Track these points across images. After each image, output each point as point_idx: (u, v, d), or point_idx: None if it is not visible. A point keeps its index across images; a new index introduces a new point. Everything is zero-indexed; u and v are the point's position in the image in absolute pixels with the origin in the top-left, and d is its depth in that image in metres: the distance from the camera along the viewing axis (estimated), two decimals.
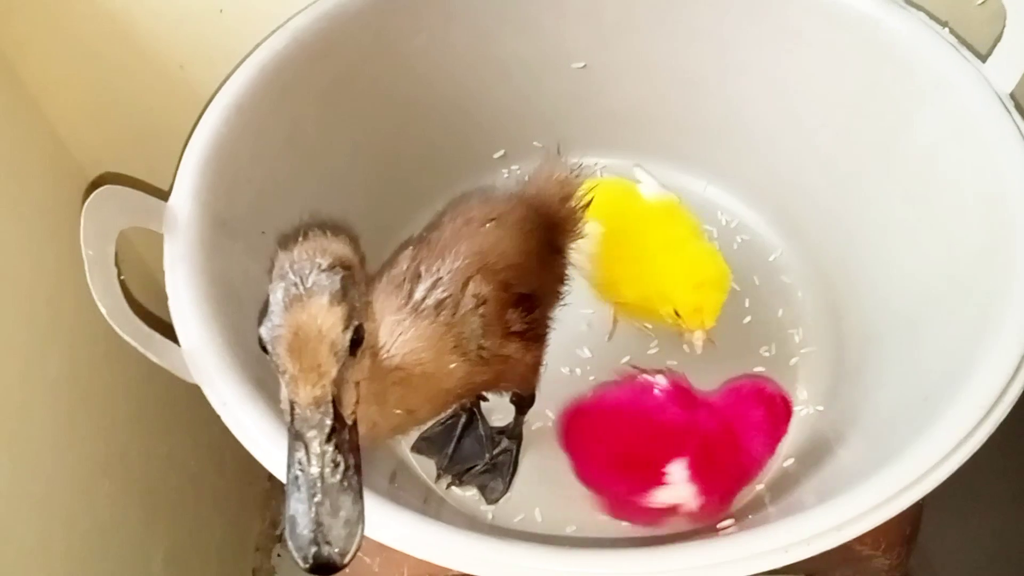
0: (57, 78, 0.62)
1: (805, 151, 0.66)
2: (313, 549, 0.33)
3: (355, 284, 0.37)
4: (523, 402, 0.59)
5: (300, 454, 0.35)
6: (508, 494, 0.61)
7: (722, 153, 0.71)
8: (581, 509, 0.59)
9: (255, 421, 0.44)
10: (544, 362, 0.55)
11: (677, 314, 0.60)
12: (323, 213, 0.63)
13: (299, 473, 0.35)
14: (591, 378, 0.65)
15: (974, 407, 0.43)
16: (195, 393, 0.46)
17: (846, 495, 0.40)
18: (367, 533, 0.40)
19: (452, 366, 0.47)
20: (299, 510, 0.34)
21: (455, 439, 0.61)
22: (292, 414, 0.35)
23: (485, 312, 0.48)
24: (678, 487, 0.55)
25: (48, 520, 0.55)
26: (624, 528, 0.59)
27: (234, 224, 0.53)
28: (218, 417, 0.45)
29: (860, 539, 0.40)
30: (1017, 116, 0.52)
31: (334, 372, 0.35)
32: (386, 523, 0.41)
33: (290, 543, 0.34)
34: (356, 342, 0.36)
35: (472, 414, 0.62)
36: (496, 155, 0.74)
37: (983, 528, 0.79)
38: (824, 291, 0.67)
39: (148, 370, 0.45)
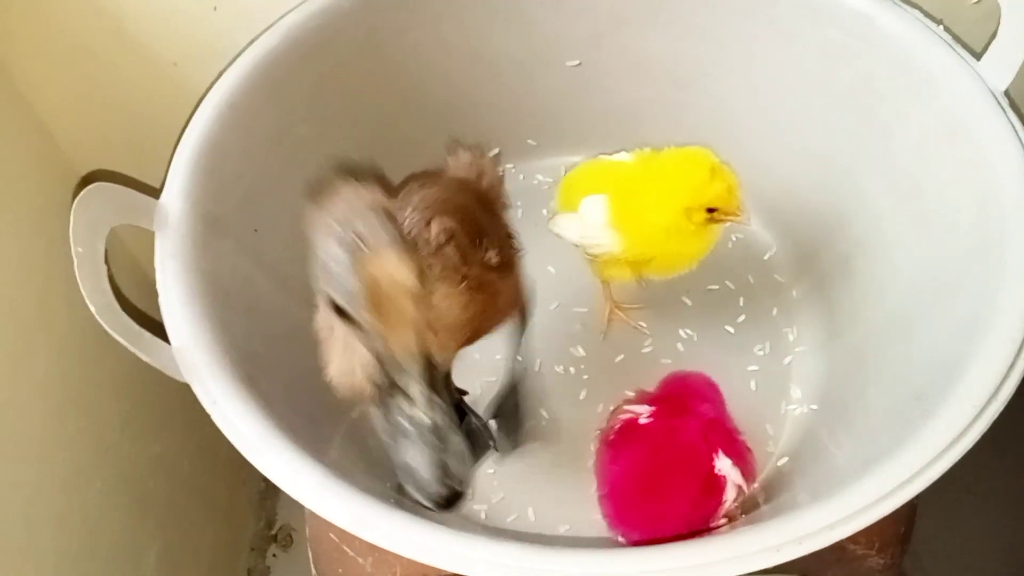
0: (48, 74, 0.62)
1: (798, 149, 0.66)
2: (441, 489, 0.36)
3: (400, 226, 0.37)
4: (523, 321, 0.58)
5: (402, 402, 0.36)
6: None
7: (716, 150, 0.70)
8: (574, 509, 0.59)
9: (245, 420, 0.44)
10: (525, 281, 0.54)
11: (712, 212, 0.55)
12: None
13: (403, 421, 0.36)
14: (585, 376, 0.65)
15: (967, 406, 0.43)
16: (187, 392, 0.46)
17: (838, 494, 0.40)
18: (375, 541, 0.41)
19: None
20: (414, 457, 0.36)
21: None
22: (383, 367, 0.36)
23: (457, 243, 0.46)
24: (730, 474, 0.56)
25: (38, 519, 0.55)
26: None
27: (225, 222, 0.53)
28: (210, 416, 0.45)
29: (854, 539, 0.40)
30: (1011, 114, 0.52)
31: (417, 316, 0.36)
32: (377, 523, 0.41)
33: (412, 490, 0.36)
34: (424, 282, 0.36)
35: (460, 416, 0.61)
36: (490, 154, 0.73)
37: (977, 528, 0.79)
38: (818, 290, 0.67)
39: (139, 369, 0.45)
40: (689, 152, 0.57)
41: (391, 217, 0.37)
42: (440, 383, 0.36)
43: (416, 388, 0.36)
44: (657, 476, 0.56)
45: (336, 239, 0.36)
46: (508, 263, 0.52)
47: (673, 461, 0.56)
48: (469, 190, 0.55)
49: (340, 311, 0.36)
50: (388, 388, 0.36)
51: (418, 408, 0.36)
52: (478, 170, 0.58)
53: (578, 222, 0.61)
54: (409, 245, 0.36)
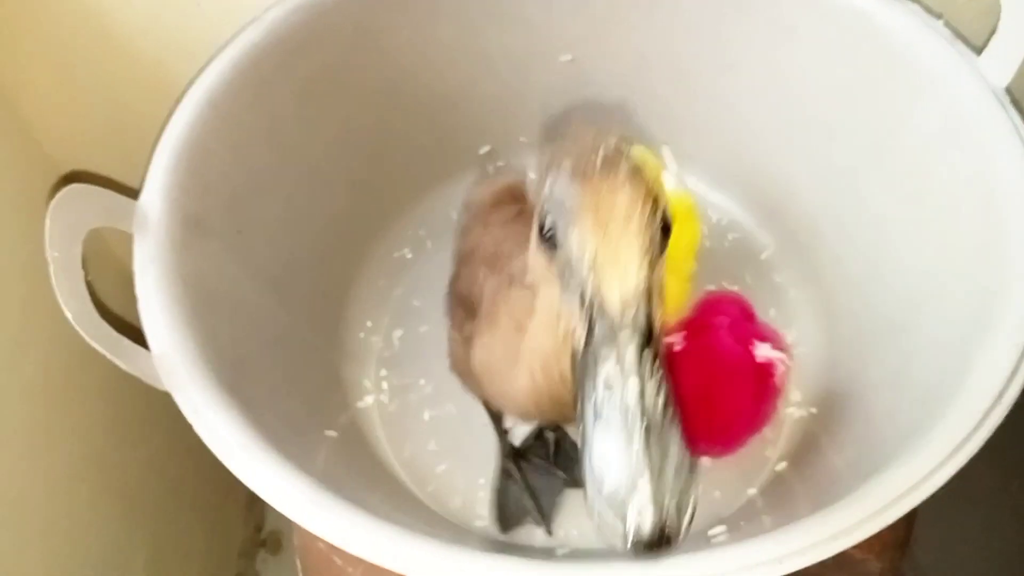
0: (30, 72, 0.61)
1: (797, 147, 0.65)
2: (644, 508, 0.24)
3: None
4: None
5: (609, 366, 0.26)
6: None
7: (713, 149, 0.70)
8: (579, 521, 0.58)
9: (228, 429, 0.42)
10: None
11: None
12: (303, 210, 0.62)
13: (605, 395, 0.26)
14: None
15: (971, 411, 0.42)
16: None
17: (841, 504, 0.39)
18: (364, 555, 0.37)
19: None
20: (615, 450, 0.25)
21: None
22: (591, 323, 0.27)
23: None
24: (772, 355, 0.59)
25: (24, 526, 0.54)
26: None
27: (208, 223, 0.52)
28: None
29: None
30: (1012, 111, 0.51)
31: (646, 258, 0.28)
32: (366, 537, 0.40)
33: (599, 503, 0.25)
34: (665, 228, 0.29)
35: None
36: (482, 150, 0.72)
37: (977, 532, 0.79)
38: (817, 291, 0.66)
39: (125, 374, 0.44)
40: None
41: (619, 149, 0.31)
42: (663, 360, 0.27)
43: (631, 352, 0.26)
44: (713, 389, 0.58)
45: (568, 161, 0.30)
46: None
47: (720, 370, 0.58)
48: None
49: (552, 241, 0.29)
50: (593, 349, 0.27)
51: (632, 382, 0.25)
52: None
53: None
54: (648, 183, 0.29)
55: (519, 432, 0.61)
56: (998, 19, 0.52)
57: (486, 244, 0.51)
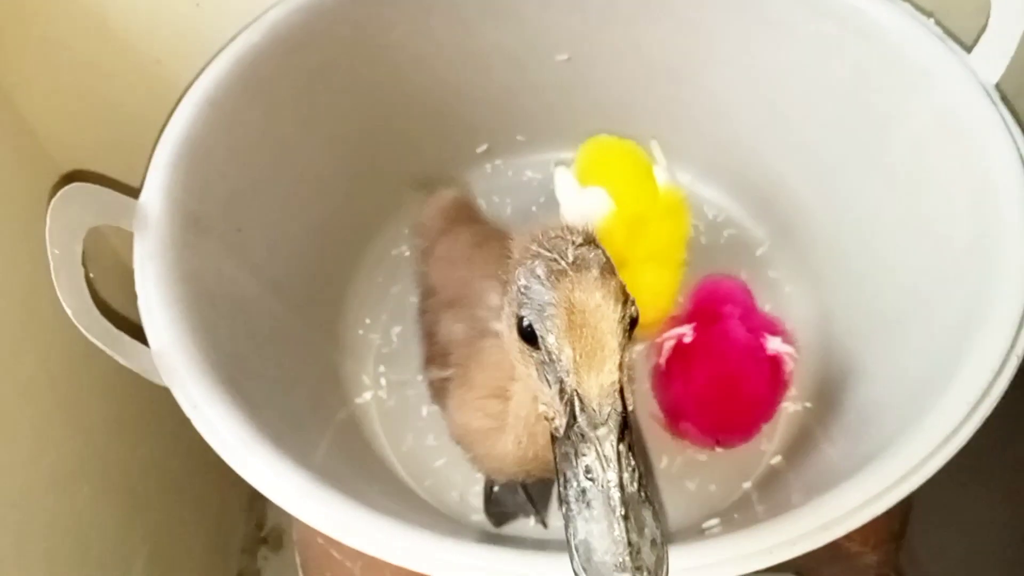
0: (30, 72, 0.61)
1: (791, 144, 0.65)
2: None
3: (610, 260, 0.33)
4: None
5: (589, 459, 0.29)
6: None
7: (708, 146, 0.70)
8: None
9: (227, 424, 0.43)
10: None
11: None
12: (301, 209, 0.62)
13: (587, 484, 0.29)
14: None
15: (960, 403, 0.42)
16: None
17: (832, 493, 0.40)
18: (363, 548, 0.39)
19: None
20: (597, 531, 0.28)
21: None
22: (571, 412, 0.30)
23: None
24: (782, 348, 0.60)
25: (26, 524, 0.54)
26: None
27: (208, 222, 0.52)
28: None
29: (849, 536, 0.40)
30: (1003, 107, 0.52)
31: (619, 354, 0.30)
32: (363, 529, 0.40)
33: (584, 572, 0.28)
34: (632, 321, 0.31)
35: None
36: (479, 149, 0.73)
37: (973, 524, 0.79)
38: (811, 286, 0.67)
39: (126, 371, 0.44)
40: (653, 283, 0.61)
41: (599, 245, 0.33)
42: (635, 444, 0.30)
43: (610, 443, 0.29)
44: (732, 378, 0.59)
45: (540, 261, 0.32)
46: None
47: (735, 360, 0.59)
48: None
49: (530, 339, 0.31)
50: (575, 443, 0.29)
51: (611, 470, 0.28)
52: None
53: (572, 194, 0.61)
54: (616, 274, 0.32)
55: None
56: (988, 17, 0.52)
57: (451, 284, 0.51)
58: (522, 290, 0.32)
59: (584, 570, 0.28)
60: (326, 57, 0.60)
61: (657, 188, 0.63)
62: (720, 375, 0.59)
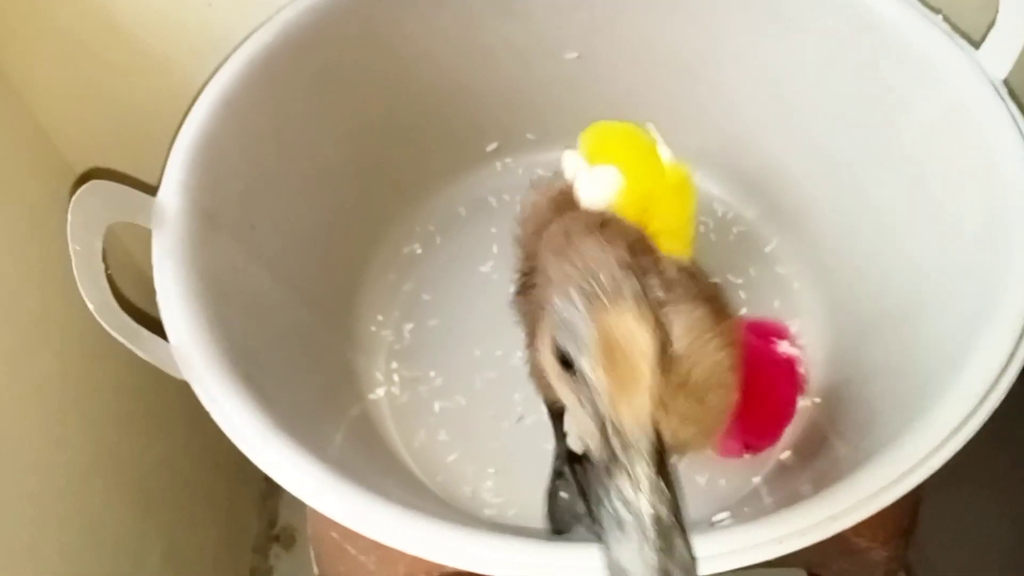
0: (43, 71, 0.62)
1: (799, 140, 0.65)
2: None
3: (649, 284, 0.33)
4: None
5: (623, 484, 0.29)
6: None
7: (716, 142, 0.70)
8: None
9: (244, 417, 0.43)
10: None
11: None
12: (314, 206, 0.63)
13: (619, 506, 0.29)
14: None
15: (969, 395, 0.42)
16: (188, 392, 0.45)
17: (841, 484, 0.40)
18: (377, 537, 0.39)
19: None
20: (627, 554, 0.28)
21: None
22: (605, 440, 0.30)
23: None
24: (792, 351, 0.62)
25: (40, 520, 0.55)
26: None
27: (222, 219, 0.53)
28: (210, 415, 0.44)
29: (858, 531, 0.40)
30: (1011, 103, 0.52)
31: (655, 381, 0.31)
32: (379, 519, 0.41)
33: None
34: (664, 347, 0.32)
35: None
36: (489, 148, 0.73)
37: (982, 520, 0.79)
38: (820, 282, 0.67)
39: (140, 368, 0.45)
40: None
41: (637, 274, 0.33)
42: (668, 470, 0.30)
43: (642, 469, 0.29)
44: (757, 386, 0.57)
45: (574, 286, 0.32)
46: None
47: (759, 366, 0.59)
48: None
49: (567, 364, 0.32)
50: (608, 465, 0.30)
51: (643, 495, 0.29)
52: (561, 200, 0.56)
53: (583, 173, 0.61)
54: (653, 306, 0.32)
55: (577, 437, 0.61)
56: (996, 13, 0.52)
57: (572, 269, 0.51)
58: (558, 313, 0.32)
59: None
60: (337, 56, 0.61)
61: (663, 165, 0.63)
62: (748, 383, 0.59)
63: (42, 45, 0.61)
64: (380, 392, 0.65)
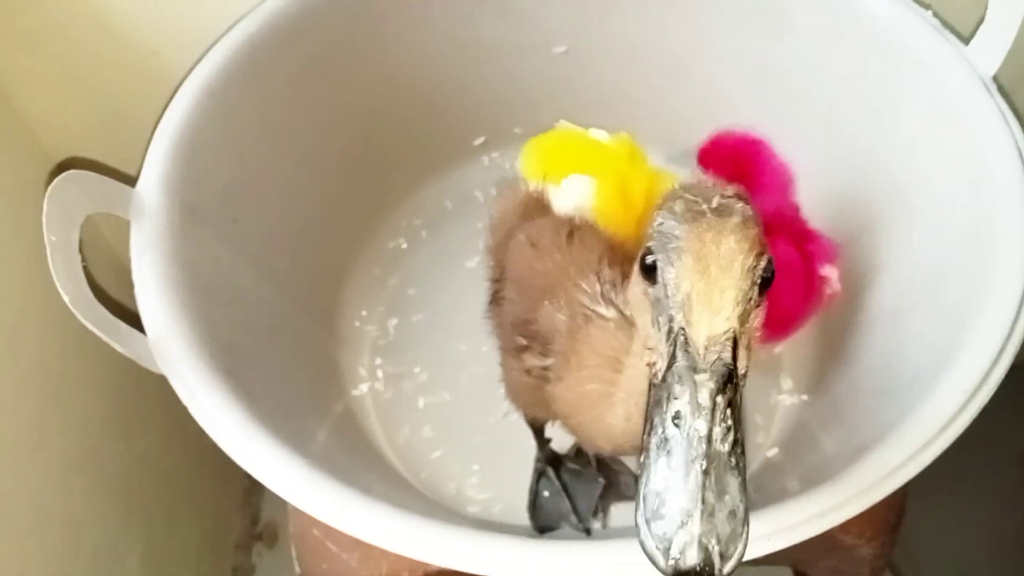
0: (24, 61, 0.61)
1: (789, 137, 0.65)
2: (684, 540, 0.25)
3: (759, 224, 0.31)
4: None
5: (681, 403, 0.26)
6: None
7: (706, 138, 0.70)
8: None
9: (224, 412, 0.43)
10: None
11: None
12: (298, 200, 0.62)
13: (673, 431, 0.26)
14: None
15: (957, 391, 0.42)
16: (170, 389, 0.45)
17: (829, 482, 0.40)
18: (359, 535, 0.38)
19: None
20: (671, 481, 0.25)
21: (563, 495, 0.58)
22: (672, 354, 0.28)
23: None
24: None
25: (20, 518, 0.54)
26: (614, 518, 0.58)
27: (205, 211, 0.52)
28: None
29: (845, 528, 0.40)
30: (1000, 99, 0.52)
31: (740, 305, 0.28)
32: (361, 516, 0.40)
33: (646, 529, 0.25)
34: (767, 281, 0.29)
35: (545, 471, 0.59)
36: (476, 142, 0.73)
37: (967, 517, 0.79)
38: None
39: (122, 365, 0.44)
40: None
41: (747, 201, 0.31)
42: (736, 403, 0.27)
43: (708, 392, 0.27)
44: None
45: (681, 199, 0.30)
46: None
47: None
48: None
49: (650, 272, 0.30)
50: (669, 383, 0.27)
51: (702, 418, 0.26)
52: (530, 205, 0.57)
53: (559, 192, 0.61)
54: (759, 234, 0.30)
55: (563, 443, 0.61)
56: (985, 9, 0.52)
57: (543, 271, 0.49)
58: (656, 227, 0.31)
59: (647, 522, 0.26)
60: (323, 48, 0.60)
61: (608, 146, 0.63)
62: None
63: (25, 36, 0.60)
64: (364, 388, 0.65)
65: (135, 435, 0.70)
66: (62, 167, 0.64)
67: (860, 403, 0.54)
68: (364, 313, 0.68)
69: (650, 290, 0.30)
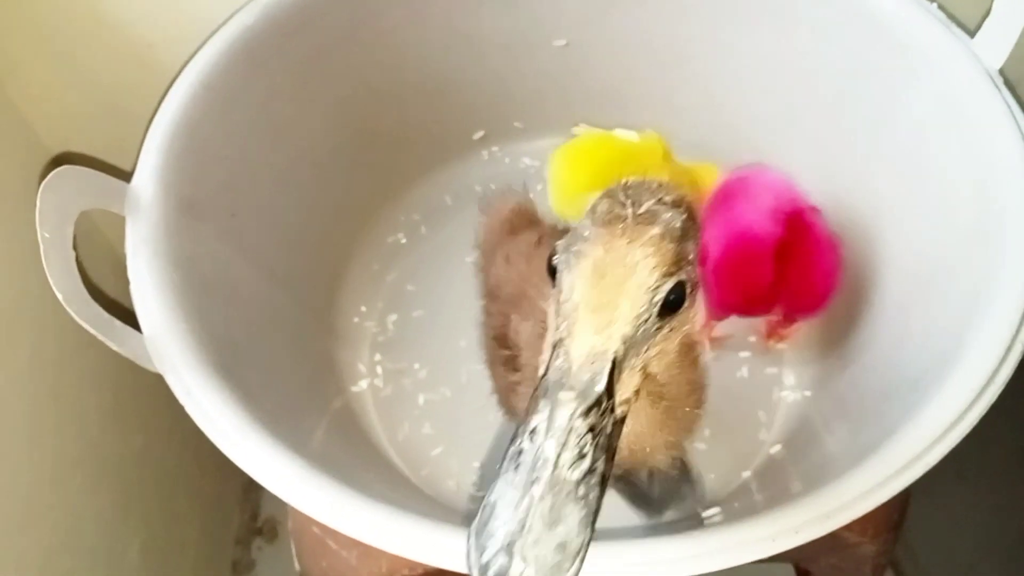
0: (20, 54, 0.60)
1: (793, 130, 0.65)
2: (498, 560, 0.23)
3: (693, 238, 0.29)
4: None
5: (539, 418, 0.25)
6: None
7: (707, 133, 0.69)
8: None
9: (221, 410, 0.42)
10: None
11: None
12: (296, 195, 0.62)
13: (529, 445, 0.25)
14: None
15: (964, 390, 0.42)
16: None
17: (835, 482, 0.39)
18: (356, 535, 0.37)
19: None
20: (505, 498, 0.24)
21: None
22: (549, 364, 0.26)
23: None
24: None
25: (19, 514, 0.53)
26: (614, 519, 0.57)
27: (201, 206, 0.52)
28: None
29: (848, 526, 0.39)
30: (1006, 92, 0.51)
31: (630, 325, 0.26)
32: (359, 516, 0.40)
33: (471, 539, 0.25)
34: (672, 304, 0.27)
35: None
36: (476, 136, 0.72)
37: (968, 515, 0.79)
38: None
39: (119, 360, 0.44)
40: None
41: (690, 217, 0.29)
42: (605, 436, 0.25)
43: (566, 409, 0.25)
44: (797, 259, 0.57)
45: (609, 200, 0.29)
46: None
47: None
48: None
49: (553, 273, 0.28)
50: (537, 395, 0.26)
51: (550, 439, 0.24)
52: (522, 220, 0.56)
53: None
54: (679, 250, 0.28)
55: None
56: (992, 1, 0.52)
57: (510, 281, 0.48)
58: (577, 225, 0.29)
59: (475, 533, 0.25)
60: (321, 40, 0.60)
61: (640, 146, 0.63)
62: (792, 255, 0.57)
63: (20, 28, 0.59)
64: (363, 384, 0.64)
65: (133, 430, 0.70)
66: (57, 161, 0.63)
67: (864, 400, 0.53)
68: (363, 309, 0.68)
69: (550, 290, 0.29)
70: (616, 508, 0.59)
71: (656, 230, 0.27)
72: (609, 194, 0.29)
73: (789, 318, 0.61)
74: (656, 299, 0.27)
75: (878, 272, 0.58)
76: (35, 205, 0.42)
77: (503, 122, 0.71)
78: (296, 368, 0.59)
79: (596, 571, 0.38)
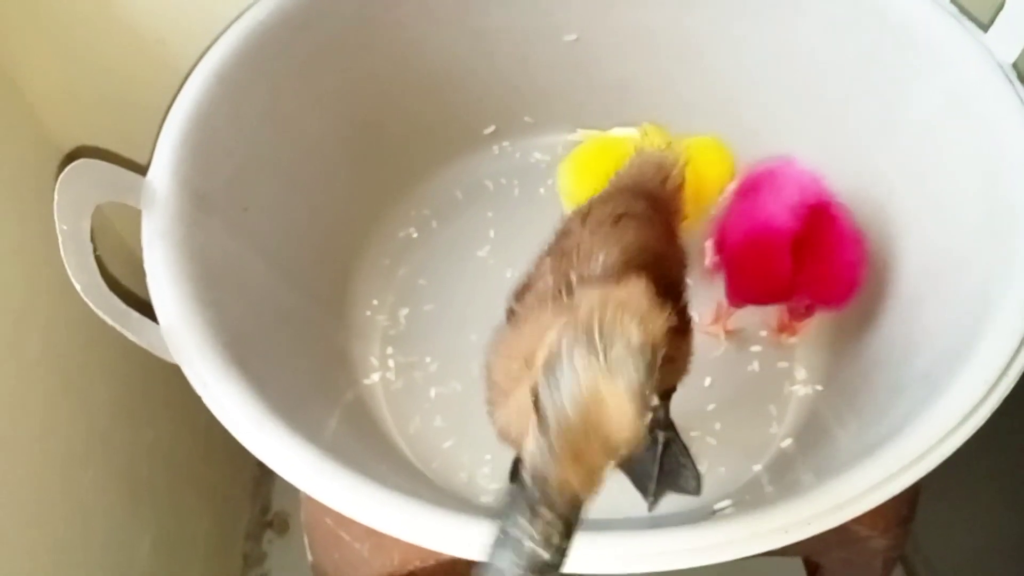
0: (32, 50, 0.61)
1: (805, 123, 0.65)
2: None
3: (655, 364, 0.31)
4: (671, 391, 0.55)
5: (525, 520, 0.29)
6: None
7: (717, 129, 0.69)
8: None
9: (236, 401, 0.43)
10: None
11: None
12: (307, 189, 0.62)
13: (516, 533, 0.29)
14: None
15: (977, 383, 0.42)
16: (180, 378, 0.45)
17: (847, 474, 0.40)
18: (372, 523, 0.38)
19: None
20: (507, 567, 0.29)
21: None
22: (535, 478, 0.30)
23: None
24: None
25: (30, 508, 0.54)
26: (624, 510, 0.58)
27: (214, 199, 0.52)
28: (202, 401, 0.44)
29: (858, 519, 0.39)
30: (1019, 87, 0.51)
31: (606, 474, 0.30)
32: (373, 505, 0.40)
33: None
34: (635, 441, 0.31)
35: None
36: (486, 131, 0.72)
37: (977, 511, 0.79)
38: None
39: (131, 354, 0.44)
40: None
41: (653, 350, 0.31)
42: (573, 534, 0.30)
43: (540, 524, 0.29)
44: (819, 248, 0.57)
45: (582, 345, 0.30)
46: (686, 327, 0.48)
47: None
48: (657, 211, 0.51)
49: (537, 407, 0.31)
50: (527, 497, 0.29)
51: (533, 537, 0.29)
52: (662, 172, 0.55)
53: None
54: (650, 387, 0.30)
55: None
56: None
57: (565, 237, 0.48)
58: (556, 363, 0.31)
59: None
60: (332, 36, 0.60)
61: (643, 141, 0.64)
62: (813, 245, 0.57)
63: (32, 25, 0.59)
64: (375, 377, 0.64)
65: (143, 424, 0.70)
66: (71, 156, 0.64)
67: (874, 394, 0.53)
68: (375, 303, 0.68)
69: (535, 417, 0.31)
70: (627, 501, 0.59)
71: (621, 387, 0.30)
72: (582, 329, 0.31)
73: (813, 308, 0.61)
74: (625, 448, 0.30)
75: (889, 267, 0.58)
76: (46, 200, 0.43)
77: (513, 117, 0.71)
78: (308, 361, 0.59)
79: (609, 561, 0.38)
